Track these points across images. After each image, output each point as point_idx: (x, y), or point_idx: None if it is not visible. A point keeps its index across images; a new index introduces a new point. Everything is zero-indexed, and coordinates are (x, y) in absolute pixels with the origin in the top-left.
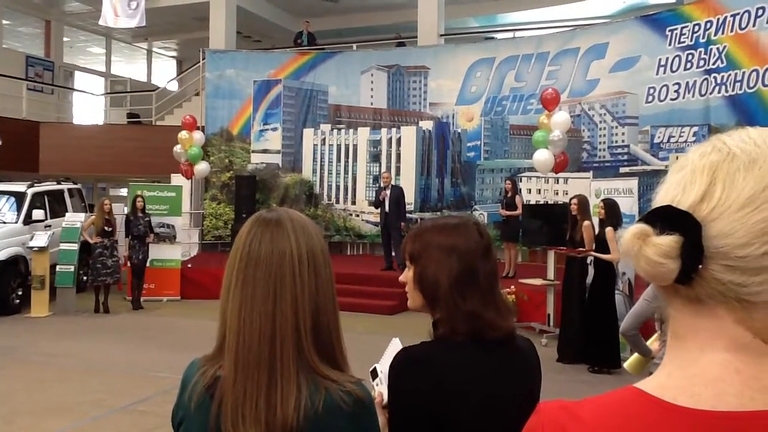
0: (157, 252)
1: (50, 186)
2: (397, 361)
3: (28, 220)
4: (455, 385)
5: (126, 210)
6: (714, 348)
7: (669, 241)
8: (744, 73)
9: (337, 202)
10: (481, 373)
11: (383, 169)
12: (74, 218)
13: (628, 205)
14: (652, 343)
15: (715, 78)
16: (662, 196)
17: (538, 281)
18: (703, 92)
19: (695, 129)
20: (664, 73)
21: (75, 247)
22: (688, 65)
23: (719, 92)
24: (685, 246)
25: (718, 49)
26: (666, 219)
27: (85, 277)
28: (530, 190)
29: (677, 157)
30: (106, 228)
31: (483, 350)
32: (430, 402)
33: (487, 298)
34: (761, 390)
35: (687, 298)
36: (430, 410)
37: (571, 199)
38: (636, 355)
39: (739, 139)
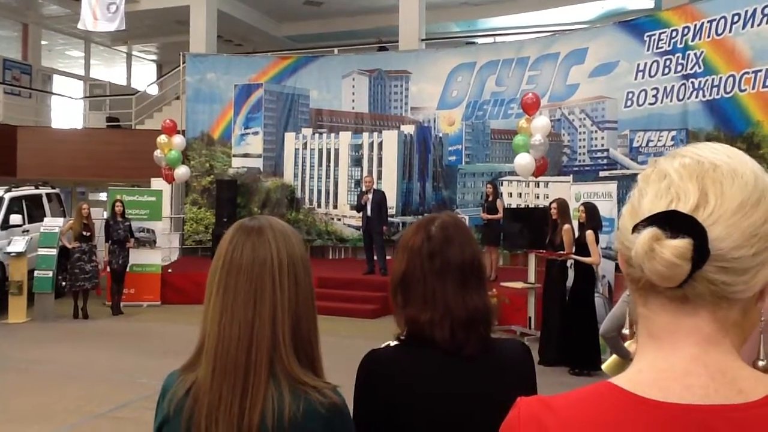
0: (137, 257)
1: (28, 190)
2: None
3: (5, 225)
4: (402, 382)
5: (105, 215)
6: (687, 344)
7: (685, 243)
8: (721, 78)
9: (319, 206)
10: (427, 376)
11: (365, 173)
12: (52, 223)
13: (607, 208)
14: (631, 345)
15: (692, 83)
16: (652, 203)
17: (519, 284)
18: (681, 97)
19: (673, 133)
20: (643, 78)
21: (53, 252)
22: (666, 70)
23: (697, 97)
24: (696, 249)
25: (695, 54)
26: (673, 223)
27: (63, 283)
28: (511, 193)
29: (656, 161)
30: (84, 233)
31: (435, 354)
32: (380, 398)
33: (428, 301)
34: (725, 384)
35: (670, 298)
36: (382, 406)
37: (550, 203)
38: (614, 356)
39: (710, 151)
